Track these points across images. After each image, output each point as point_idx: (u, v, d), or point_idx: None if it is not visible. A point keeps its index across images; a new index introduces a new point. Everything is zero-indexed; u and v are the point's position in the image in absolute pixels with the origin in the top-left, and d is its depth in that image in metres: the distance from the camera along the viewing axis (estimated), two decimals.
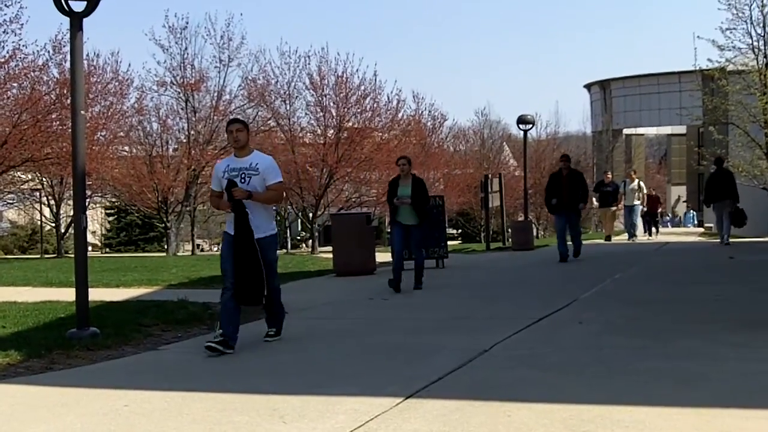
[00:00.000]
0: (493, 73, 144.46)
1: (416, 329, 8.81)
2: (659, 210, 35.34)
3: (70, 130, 9.68)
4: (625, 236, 27.42)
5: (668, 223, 49.12)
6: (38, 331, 8.86)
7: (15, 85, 30.68)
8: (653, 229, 30.95)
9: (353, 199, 39.89)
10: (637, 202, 25.59)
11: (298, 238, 60.63)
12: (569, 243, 17.48)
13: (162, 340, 8.53)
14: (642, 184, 26.47)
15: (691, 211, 44.14)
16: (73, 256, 10.40)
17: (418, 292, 12.73)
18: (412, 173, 12.80)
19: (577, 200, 16.76)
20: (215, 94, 39.38)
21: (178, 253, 38.50)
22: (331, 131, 36.96)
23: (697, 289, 11.72)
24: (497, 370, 6.44)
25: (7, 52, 29.35)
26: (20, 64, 30.09)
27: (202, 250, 53.26)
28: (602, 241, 26.73)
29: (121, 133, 37.17)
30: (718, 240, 22.54)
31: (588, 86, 65.41)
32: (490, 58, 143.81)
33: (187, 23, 38.88)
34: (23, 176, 35.90)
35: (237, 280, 7.80)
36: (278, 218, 62.79)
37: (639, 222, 27.78)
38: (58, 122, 30.60)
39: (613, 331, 8.13)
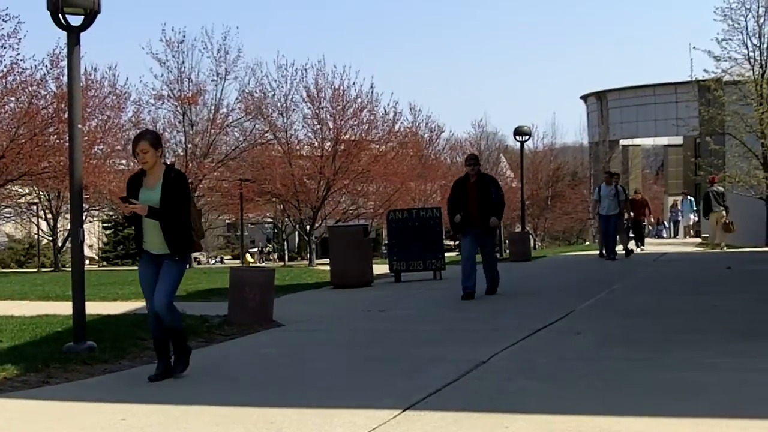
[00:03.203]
0: (490, 84, 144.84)
1: (414, 341, 8.80)
2: (647, 217, 30.57)
3: (67, 144, 9.68)
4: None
5: (663, 231, 47.99)
6: (35, 345, 8.84)
7: (12, 99, 30.75)
8: (638, 242, 26.88)
9: (350, 211, 39.95)
10: (615, 212, 20.44)
11: (265, 250, 61.00)
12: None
13: None
14: (622, 188, 21.32)
15: (688, 197, 41.96)
16: (70, 269, 10.40)
17: (411, 304, 12.67)
18: (165, 163, 7.34)
19: (491, 216, 12.58)
20: (212, 108, 39.45)
21: None
22: (328, 144, 37.05)
23: (695, 300, 11.72)
24: (495, 382, 6.43)
25: (5, 67, 29.49)
26: (18, 78, 30.18)
27: (199, 263, 53.19)
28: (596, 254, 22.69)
29: (119, 147, 37.18)
30: (714, 249, 24.79)
31: (584, 97, 65.46)
32: (487, 70, 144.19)
33: (184, 37, 38.96)
34: (20, 190, 35.93)
35: None
36: (275, 230, 62.94)
37: (619, 236, 22.31)
38: (55, 136, 30.66)
39: (610, 342, 8.12)
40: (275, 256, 61.95)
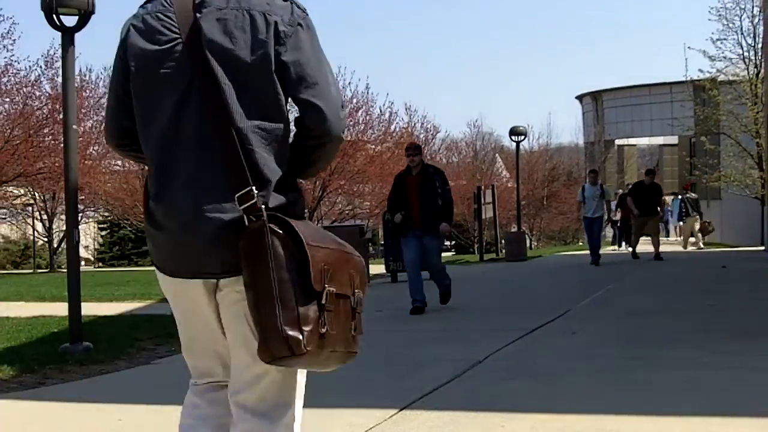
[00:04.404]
0: (486, 85, 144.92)
1: (410, 341, 8.81)
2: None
3: (62, 145, 9.67)
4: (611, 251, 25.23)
5: (666, 214, 47.27)
6: (31, 346, 8.84)
7: (7, 100, 30.76)
8: (626, 242, 26.49)
9: (346, 212, 39.95)
10: (600, 214, 18.96)
11: None
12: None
13: (155, 354, 8.51)
14: (607, 188, 19.97)
15: (679, 196, 41.58)
16: (65, 270, 10.39)
17: (407, 304, 12.62)
18: None
19: (437, 216, 10.90)
20: None
21: None
22: None
23: (691, 298, 11.74)
24: (491, 381, 6.44)
25: None
26: (12, 79, 30.20)
27: None
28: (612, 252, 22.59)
29: None
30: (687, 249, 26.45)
31: (580, 97, 65.61)
32: (482, 70, 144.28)
33: None
34: (15, 191, 35.88)
35: None
36: None
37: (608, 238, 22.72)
38: (50, 137, 30.65)
39: (606, 341, 8.14)
40: None
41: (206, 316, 2.76)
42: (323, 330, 2.50)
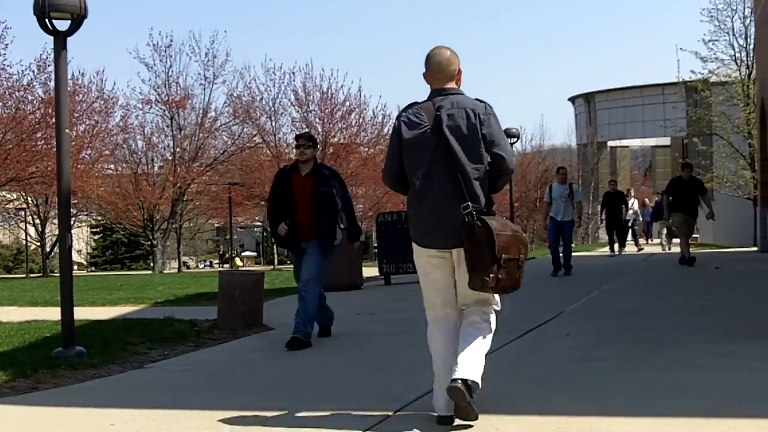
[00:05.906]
0: (478, 87, 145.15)
1: (404, 343, 8.78)
2: (631, 212, 27.07)
3: (55, 149, 9.63)
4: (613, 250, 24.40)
5: (647, 216, 46.67)
6: (24, 351, 8.80)
7: None
8: (613, 244, 25.08)
9: None
10: (570, 218, 17.03)
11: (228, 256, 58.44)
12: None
13: (148, 358, 8.48)
14: (576, 188, 17.63)
15: (655, 198, 40.70)
16: (58, 275, 10.36)
17: (401, 306, 12.65)
18: None
19: (334, 234, 8.82)
20: (200, 111, 39.45)
21: (164, 271, 38.38)
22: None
23: (684, 299, 11.74)
24: (485, 383, 6.41)
25: None
26: (5, 83, 30.18)
27: (188, 268, 53.15)
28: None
29: (107, 152, 37.16)
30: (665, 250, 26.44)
31: (572, 99, 65.79)
32: (475, 72, 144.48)
33: (172, 41, 39.09)
34: (8, 196, 35.85)
35: None
36: (264, 234, 62.80)
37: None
38: (43, 141, 30.62)
39: (600, 343, 8.14)
40: (239, 261, 58.86)
41: (445, 269, 5.26)
42: (500, 277, 5.04)
